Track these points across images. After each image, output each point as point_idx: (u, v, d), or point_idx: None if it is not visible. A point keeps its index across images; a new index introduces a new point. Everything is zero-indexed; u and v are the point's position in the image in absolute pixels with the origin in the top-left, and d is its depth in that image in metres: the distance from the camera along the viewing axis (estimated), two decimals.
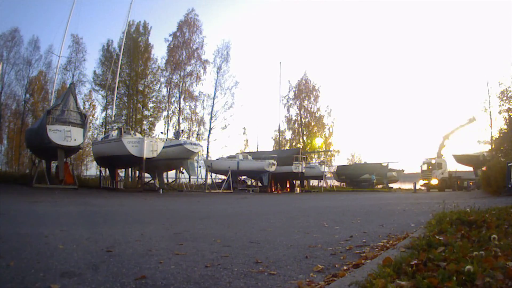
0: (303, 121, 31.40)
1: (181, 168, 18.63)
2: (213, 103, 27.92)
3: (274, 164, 20.04)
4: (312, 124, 31.37)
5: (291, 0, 71.78)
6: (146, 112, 28.58)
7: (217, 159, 22.92)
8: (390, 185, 28.65)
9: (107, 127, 25.57)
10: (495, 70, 53.20)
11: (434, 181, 23.83)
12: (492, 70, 49.50)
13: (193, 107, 28.01)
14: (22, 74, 27.25)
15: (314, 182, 27.92)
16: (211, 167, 22.55)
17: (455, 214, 3.60)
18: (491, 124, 26.04)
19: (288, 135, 31.82)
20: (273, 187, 22.21)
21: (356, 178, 28.16)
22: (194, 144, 17.87)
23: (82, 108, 19.35)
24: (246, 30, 76.47)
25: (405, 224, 4.38)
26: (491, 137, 25.97)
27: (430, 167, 24.26)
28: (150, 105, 28.65)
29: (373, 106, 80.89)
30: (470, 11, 70.93)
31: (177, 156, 16.71)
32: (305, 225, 4.29)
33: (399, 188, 26.65)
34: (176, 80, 27.83)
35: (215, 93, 28.09)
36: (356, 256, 2.48)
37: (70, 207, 7.08)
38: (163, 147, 15.87)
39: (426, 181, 24.27)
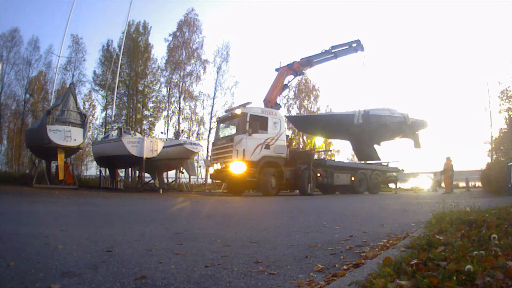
0: None
1: (181, 168, 18.65)
2: (213, 103, 27.96)
3: None
4: None
5: (291, 0, 71.75)
6: (146, 112, 28.64)
7: None
8: (390, 185, 28.61)
9: (107, 127, 25.59)
10: (495, 70, 53.28)
11: None
12: (492, 70, 49.55)
13: (193, 107, 28.06)
14: (22, 74, 27.35)
15: None
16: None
17: (455, 213, 3.61)
18: (491, 124, 26.10)
19: (288, 134, 31.85)
20: None
21: None
22: (194, 144, 17.84)
23: (82, 108, 19.37)
24: (246, 30, 76.44)
25: (405, 223, 4.39)
26: (491, 136, 26.03)
27: None
28: (150, 105, 28.72)
29: (373, 105, 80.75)
30: (470, 11, 70.92)
31: (177, 156, 16.71)
32: (305, 225, 4.29)
33: (399, 187, 26.62)
34: (176, 80, 27.86)
35: (215, 93, 28.14)
36: (356, 255, 2.48)
37: (70, 207, 7.08)
38: (163, 147, 15.87)
39: None
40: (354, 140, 16.94)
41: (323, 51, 17.46)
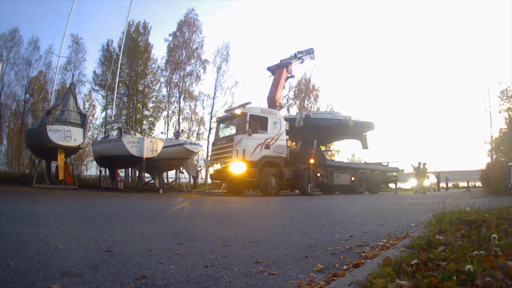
0: None
1: (181, 168, 18.64)
2: (213, 103, 27.98)
3: None
4: None
5: (292, 0, 71.75)
6: (146, 112, 28.66)
7: None
8: (390, 185, 28.64)
9: (107, 127, 25.60)
10: (495, 70, 53.29)
11: None
12: (492, 70, 49.55)
13: (193, 107, 28.09)
14: (22, 74, 27.37)
15: None
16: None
17: (455, 213, 3.61)
18: (491, 124, 26.10)
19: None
20: None
21: None
22: (194, 144, 17.84)
23: (82, 108, 19.36)
24: (246, 30, 76.48)
25: (405, 223, 4.39)
26: (491, 136, 26.03)
27: None
28: (150, 105, 28.74)
29: (374, 106, 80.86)
30: (470, 11, 70.96)
31: (177, 156, 16.71)
32: (305, 225, 4.29)
33: (399, 187, 26.62)
34: (176, 80, 27.89)
35: (215, 93, 28.17)
36: (356, 255, 2.48)
37: (70, 207, 7.08)
38: (163, 147, 15.87)
39: None
40: (296, 141, 17.48)
41: (292, 55, 18.19)
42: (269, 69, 16.83)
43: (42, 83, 28.52)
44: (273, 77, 16.78)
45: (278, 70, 16.50)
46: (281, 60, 17.11)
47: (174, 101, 27.96)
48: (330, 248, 2.73)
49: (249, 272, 2.02)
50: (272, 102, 15.29)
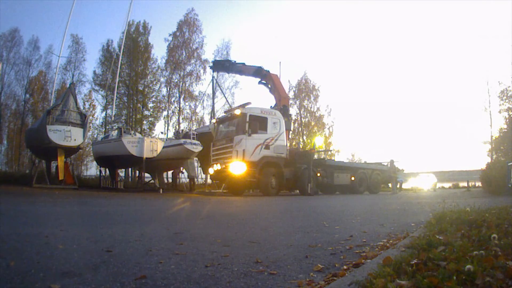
0: (303, 121, 31.45)
1: (181, 168, 18.64)
2: (213, 103, 27.97)
3: None
4: (312, 123, 31.44)
5: (291, 0, 71.78)
6: (146, 112, 28.68)
7: None
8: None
9: (107, 127, 25.61)
10: (495, 69, 53.20)
11: None
12: (492, 70, 49.50)
13: (193, 107, 28.10)
14: (22, 74, 27.35)
15: None
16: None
17: (455, 213, 3.61)
18: (491, 124, 26.10)
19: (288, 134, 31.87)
20: None
21: None
22: (194, 144, 17.85)
23: (82, 108, 19.38)
24: (246, 30, 76.50)
25: (405, 223, 4.38)
26: (491, 136, 26.04)
27: None
28: (150, 105, 28.76)
29: (374, 106, 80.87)
30: (470, 11, 70.90)
31: (177, 156, 16.71)
32: (305, 225, 4.29)
33: (399, 187, 26.55)
34: (176, 80, 27.90)
35: (215, 93, 28.15)
36: (356, 255, 2.48)
37: (70, 207, 7.08)
38: (163, 147, 15.87)
39: None
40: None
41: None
42: (260, 82, 17.61)
43: (42, 83, 28.50)
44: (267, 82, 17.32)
45: (272, 75, 16.89)
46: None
47: (174, 101, 28.03)
48: (330, 248, 2.73)
49: (249, 272, 2.02)
50: (287, 101, 15.67)
